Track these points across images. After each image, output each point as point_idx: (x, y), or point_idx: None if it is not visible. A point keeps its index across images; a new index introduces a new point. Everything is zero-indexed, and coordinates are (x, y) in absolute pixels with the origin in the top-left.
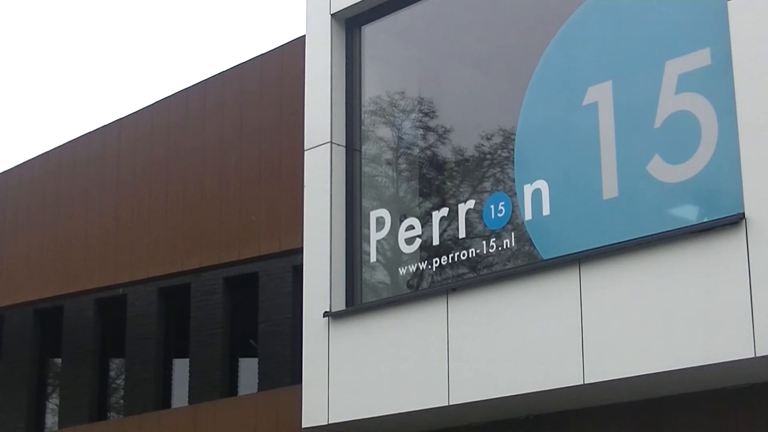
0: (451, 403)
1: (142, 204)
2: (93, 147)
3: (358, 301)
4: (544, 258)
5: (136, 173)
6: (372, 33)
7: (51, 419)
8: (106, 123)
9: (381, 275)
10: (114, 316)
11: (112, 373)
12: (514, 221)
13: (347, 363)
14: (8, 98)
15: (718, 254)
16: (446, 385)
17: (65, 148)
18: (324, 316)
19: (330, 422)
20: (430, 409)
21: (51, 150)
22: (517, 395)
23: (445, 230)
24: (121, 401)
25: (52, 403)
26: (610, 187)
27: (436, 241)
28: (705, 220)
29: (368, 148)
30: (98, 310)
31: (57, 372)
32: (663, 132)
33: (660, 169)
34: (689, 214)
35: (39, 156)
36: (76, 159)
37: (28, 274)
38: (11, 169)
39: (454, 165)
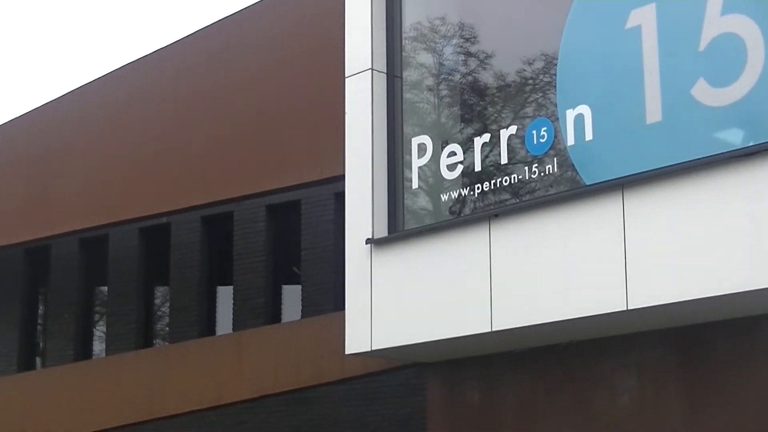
0: (493, 330)
1: (185, 133)
2: (136, 77)
3: (400, 227)
4: (587, 183)
5: (179, 103)
6: None
7: (98, 346)
8: (148, 53)
9: (423, 202)
10: (158, 244)
11: (156, 301)
12: (556, 146)
13: (390, 289)
14: (53, 29)
15: (763, 178)
16: (489, 311)
17: (109, 78)
18: (366, 243)
19: (373, 349)
20: (473, 335)
21: (95, 80)
22: (559, 321)
23: (487, 156)
24: (166, 328)
25: (99, 331)
26: (653, 112)
27: (478, 167)
28: (750, 144)
29: (409, 75)
30: (142, 239)
31: (103, 300)
32: (707, 55)
33: (704, 93)
34: (734, 138)
35: (83, 86)
36: (119, 90)
37: (73, 204)
38: (56, 99)
39: (495, 90)
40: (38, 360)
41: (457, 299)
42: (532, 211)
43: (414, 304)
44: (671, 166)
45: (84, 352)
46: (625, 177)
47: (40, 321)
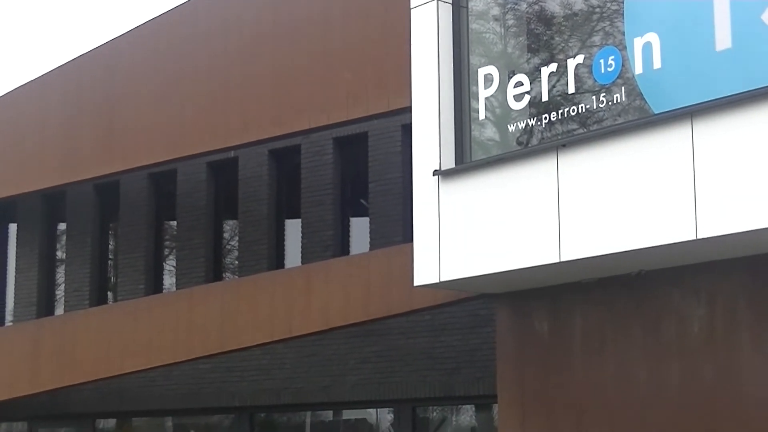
0: (562, 260)
1: (252, 67)
2: (202, 12)
3: (467, 158)
4: (656, 112)
5: (245, 36)
6: None
7: (168, 280)
8: None
9: (490, 132)
10: (226, 178)
11: (225, 235)
12: (624, 75)
13: (457, 221)
14: None
15: None
16: (557, 241)
17: (175, 13)
18: (434, 175)
19: (441, 280)
20: (541, 266)
21: (161, 15)
22: (628, 251)
23: (554, 86)
24: (236, 262)
25: (169, 265)
26: (723, 38)
27: (545, 97)
28: None
29: (475, 5)
30: (210, 173)
31: (173, 234)
32: None
33: None
34: None
35: (149, 21)
36: (185, 25)
37: (141, 139)
38: (123, 35)
39: (562, 19)
40: (110, 295)
41: (525, 230)
42: (599, 140)
43: (482, 235)
44: (741, 93)
45: (155, 286)
46: (694, 105)
47: (111, 256)
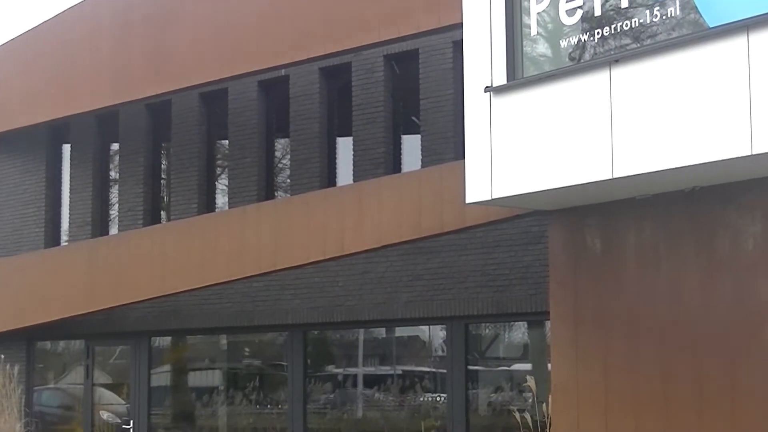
0: (615, 176)
1: None
2: None
3: (519, 74)
4: (710, 26)
5: None
6: None
7: (221, 199)
8: None
9: (542, 48)
10: (277, 97)
11: (277, 153)
12: None
13: (509, 138)
14: None
15: None
16: (610, 158)
17: None
18: (485, 91)
19: (493, 197)
20: (594, 182)
21: None
22: (682, 167)
23: (606, 0)
24: (287, 180)
25: (222, 184)
26: None
27: (597, 12)
28: None
29: None
30: (261, 92)
31: (224, 153)
32: None
33: None
34: None
35: None
36: None
37: (192, 59)
38: None
39: None
40: (163, 214)
41: (578, 146)
42: (653, 55)
43: (534, 151)
44: None
45: (208, 205)
46: (750, 18)
47: (163, 175)
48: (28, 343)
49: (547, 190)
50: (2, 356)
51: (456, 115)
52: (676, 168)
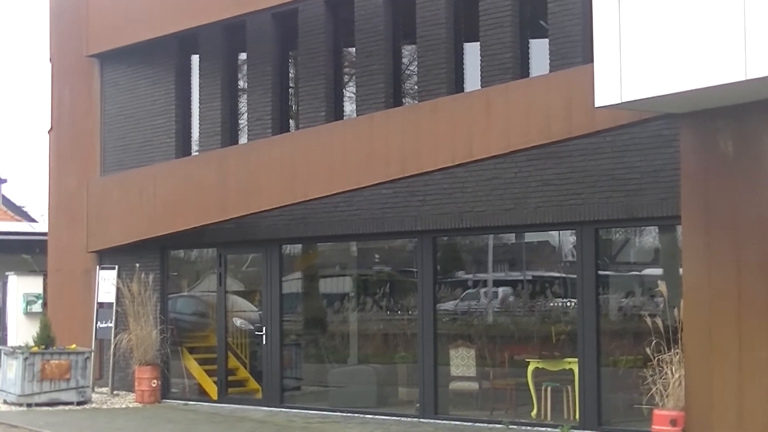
0: (748, 78)
1: None
2: None
3: None
4: None
5: None
6: None
7: (349, 107)
8: None
9: None
10: (403, 2)
11: (404, 60)
12: None
13: (639, 40)
14: None
15: None
16: (743, 58)
17: None
18: None
19: (623, 101)
20: (725, 84)
21: None
22: None
23: None
24: (415, 87)
25: (349, 92)
26: None
27: None
28: None
29: None
30: None
31: (352, 61)
32: None
33: None
34: None
35: None
36: None
37: None
38: None
39: None
40: (291, 122)
41: (709, 47)
42: None
43: (664, 53)
44: None
45: (335, 112)
46: None
47: (291, 84)
48: (161, 251)
49: (678, 92)
50: (137, 265)
51: (584, 18)
52: None
